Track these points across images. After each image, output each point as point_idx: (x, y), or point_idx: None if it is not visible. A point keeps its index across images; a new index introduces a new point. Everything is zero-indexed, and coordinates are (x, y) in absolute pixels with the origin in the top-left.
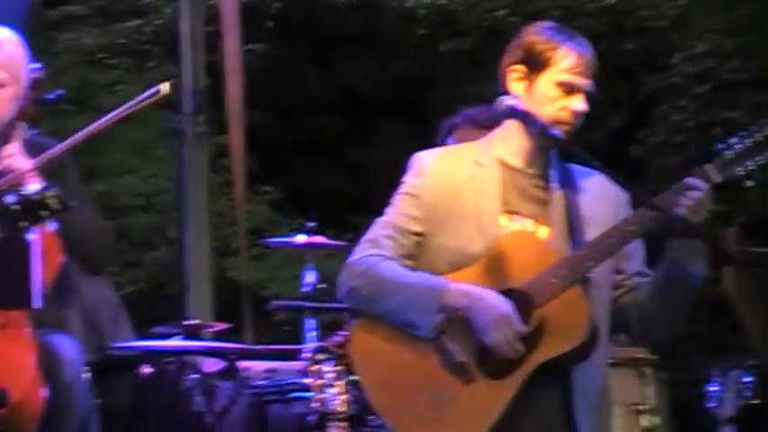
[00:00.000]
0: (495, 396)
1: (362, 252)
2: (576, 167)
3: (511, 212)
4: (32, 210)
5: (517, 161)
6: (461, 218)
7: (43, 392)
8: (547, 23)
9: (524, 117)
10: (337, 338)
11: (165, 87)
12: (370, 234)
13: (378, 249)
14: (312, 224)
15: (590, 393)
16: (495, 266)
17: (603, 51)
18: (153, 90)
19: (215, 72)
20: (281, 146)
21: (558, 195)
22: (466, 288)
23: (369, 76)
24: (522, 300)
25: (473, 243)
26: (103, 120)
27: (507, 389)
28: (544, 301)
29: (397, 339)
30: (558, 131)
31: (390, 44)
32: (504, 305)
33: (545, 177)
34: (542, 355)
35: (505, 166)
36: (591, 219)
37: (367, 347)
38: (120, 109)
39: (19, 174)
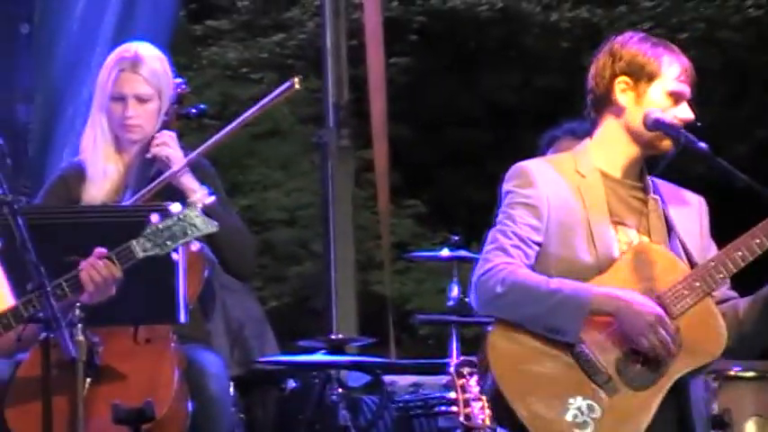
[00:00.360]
0: (642, 406)
1: (495, 260)
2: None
3: (617, 223)
4: (177, 230)
5: (616, 171)
6: (572, 228)
7: (188, 406)
8: (635, 33)
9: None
10: None
11: (296, 82)
12: (495, 244)
13: (509, 258)
14: (456, 237)
15: (699, 406)
16: (629, 275)
17: (749, 63)
18: (286, 84)
19: (358, 86)
20: (425, 159)
21: (655, 205)
22: (613, 292)
23: (512, 88)
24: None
25: (585, 253)
26: (242, 117)
27: (652, 399)
28: (679, 312)
29: (536, 348)
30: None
31: (533, 57)
32: (654, 307)
33: (640, 187)
34: (683, 365)
35: (605, 176)
36: (681, 229)
37: (507, 356)
38: (258, 104)
39: (173, 172)
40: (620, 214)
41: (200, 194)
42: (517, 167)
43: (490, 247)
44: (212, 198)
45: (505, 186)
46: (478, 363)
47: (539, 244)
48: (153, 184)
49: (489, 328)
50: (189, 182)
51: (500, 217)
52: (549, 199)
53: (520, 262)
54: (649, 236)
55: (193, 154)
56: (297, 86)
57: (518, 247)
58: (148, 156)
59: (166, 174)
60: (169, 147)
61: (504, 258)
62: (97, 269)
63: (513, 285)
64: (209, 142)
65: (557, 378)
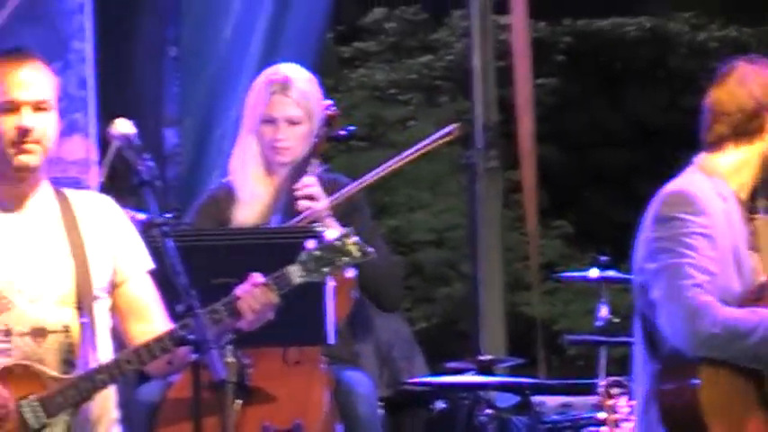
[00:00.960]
0: None
1: (700, 298)
2: None
3: (751, 249)
4: (332, 257)
5: (745, 195)
6: (725, 255)
7: (338, 428)
8: (760, 57)
9: None
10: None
11: (458, 128)
12: (691, 280)
13: (709, 296)
14: (605, 258)
15: None
16: None
17: None
18: (447, 129)
19: (506, 107)
20: (572, 180)
21: (762, 224)
22: None
23: (659, 108)
24: None
25: (735, 282)
26: (397, 159)
27: None
28: None
29: (742, 391)
30: None
31: (681, 77)
32: None
33: (752, 208)
34: None
35: (739, 200)
36: None
37: (716, 400)
38: (414, 148)
39: (315, 212)
40: (751, 239)
41: None
42: (682, 192)
43: (688, 282)
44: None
45: (671, 211)
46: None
47: (715, 275)
48: (296, 220)
49: (694, 382)
50: (331, 226)
51: (674, 245)
52: (717, 227)
53: (715, 298)
54: (758, 253)
55: (336, 195)
56: (458, 133)
57: (710, 282)
58: (296, 195)
59: (307, 213)
60: (313, 190)
61: (706, 297)
62: (255, 296)
63: (726, 324)
64: (359, 182)
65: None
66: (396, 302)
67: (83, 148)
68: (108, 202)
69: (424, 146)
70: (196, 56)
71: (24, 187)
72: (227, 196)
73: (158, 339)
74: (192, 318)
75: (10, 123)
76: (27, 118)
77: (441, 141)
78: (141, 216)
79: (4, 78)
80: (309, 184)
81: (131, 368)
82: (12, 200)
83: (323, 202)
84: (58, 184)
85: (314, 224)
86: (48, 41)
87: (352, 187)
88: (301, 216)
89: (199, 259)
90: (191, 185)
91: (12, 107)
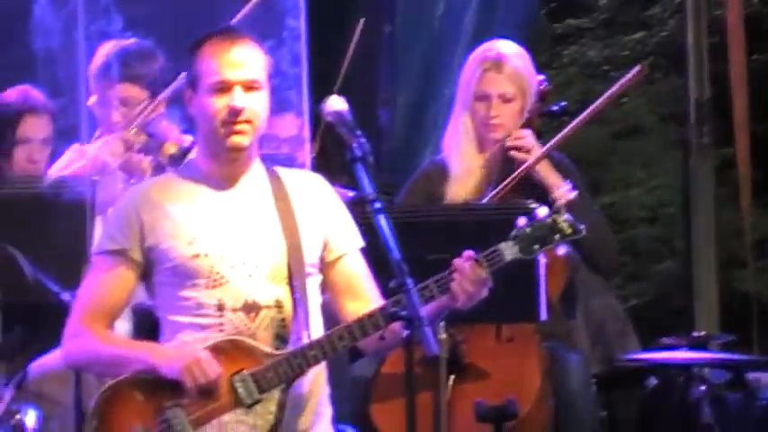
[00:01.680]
0: None
1: None
2: None
3: None
4: (544, 234)
5: None
6: None
7: (551, 404)
8: None
9: None
10: None
11: (645, 66)
12: None
13: None
14: None
15: None
16: None
17: None
18: (635, 69)
19: (719, 83)
20: None
21: None
22: None
23: None
24: None
25: None
26: (594, 105)
27: None
28: None
29: None
30: None
31: None
32: None
33: None
34: None
35: None
36: None
37: None
38: (607, 92)
39: (528, 166)
40: None
41: (564, 189)
42: None
43: None
44: (575, 193)
45: None
46: None
47: None
48: (512, 176)
49: None
50: (550, 175)
51: None
52: None
53: None
54: None
55: (550, 143)
56: (645, 71)
57: None
58: (507, 145)
59: (525, 165)
60: (526, 139)
61: None
62: (467, 272)
63: None
64: (564, 132)
65: None
66: (614, 264)
67: (295, 125)
68: (319, 180)
69: (618, 87)
70: (410, 33)
71: (236, 166)
72: (440, 173)
73: (370, 315)
74: (404, 294)
75: (221, 103)
76: (238, 98)
77: (632, 81)
78: (351, 193)
79: (215, 58)
80: (523, 135)
81: (343, 344)
82: (224, 178)
83: (535, 153)
84: (270, 161)
85: (528, 177)
86: (263, 19)
87: (562, 135)
88: (520, 169)
89: (411, 236)
90: (404, 163)
91: (223, 87)
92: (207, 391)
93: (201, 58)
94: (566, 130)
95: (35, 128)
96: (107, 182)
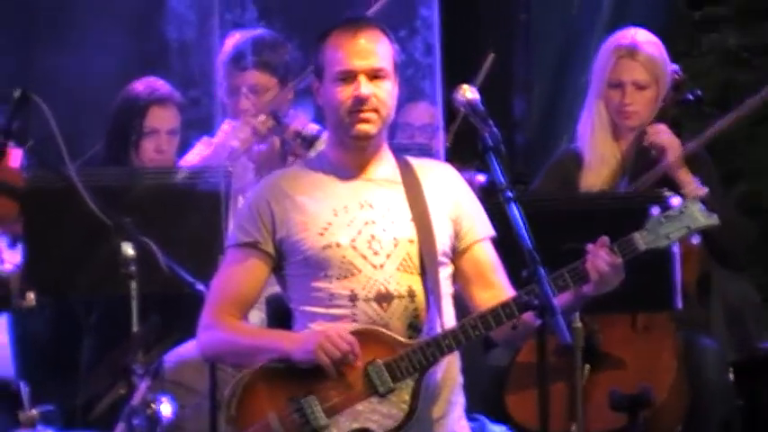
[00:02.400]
0: None
1: None
2: None
3: None
4: (678, 223)
5: None
6: None
7: (687, 392)
8: None
9: None
10: None
11: None
12: None
13: None
14: None
15: None
16: None
17: None
18: None
19: None
20: None
21: None
22: None
23: None
24: None
25: None
26: (736, 111)
27: None
28: None
29: None
30: None
31: None
32: None
33: None
34: None
35: None
36: None
37: None
38: (750, 101)
39: (667, 165)
40: None
41: (693, 186)
42: None
43: None
44: (704, 190)
45: None
46: None
47: None
48: (649, 174)
49: None
50: (683, 174)
51: None
52: None
53: None
54: None
55: (692, 144)
56: None
57: None
58: (645, 144)
59: (663, 163)
60: (665, 136)
61: None
62: (601, 258)
63: None
64: (709, 133)
65: None
66: (739, 262)
67: (429, 114)
68: (449, 169)
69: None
70: (546, 21)
71: (364, 154)
72: (574, 161)
73: (504, 305)
74: (537, 283)
75: (347, 92)
76: (364, 87)
77: None
78: (480, 178)
79: (340, 48)
80: (660, 131)
81: (477, 333)
82: (353, 167)
83: (672, 150)
84: (404, 150)
85: (667, 175)
86: (395, 8)
87: (702, 139)
88: (657, 168)
89: (544, 225)
90: (539, 151)
91: (348, 76)
92: (343, 369)
93: (327, 47)
94: (713, 129)
95: (162, 119)
96: (237, 170)
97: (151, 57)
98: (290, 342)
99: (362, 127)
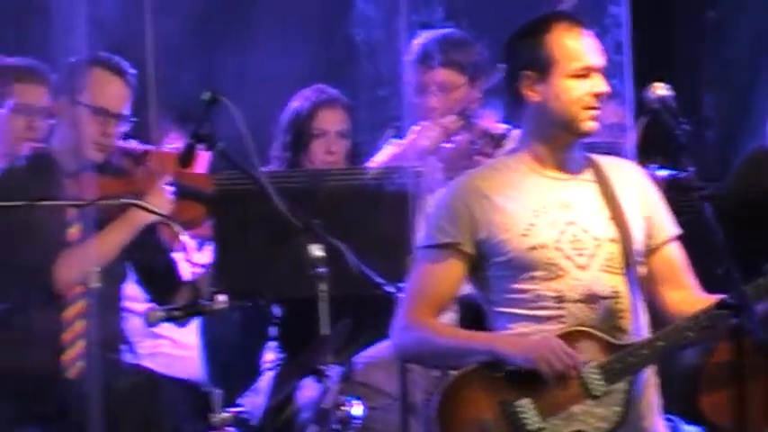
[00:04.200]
0: None
1: None
2: None
3: None
4: None
5: None
6: None
7: None
8: None
9: None
10: None
11: None
12: None
13: None
14: None
15: None
16: None
17: None
18: None
19: None
20: None
21: None
22: None
23: None
24: None
25: None
26: None
27: None
28: None
29: None
30: None
31: None
32: None
33: None
34: None
35: None
36: None
37: None
38: None
39: None
40: None
41: None
42: None
43: None
44: None
45: None
46: None
47: None
48: None
49: None
50: None
51: None
52: None
53: None
54: None
55: None
56: None
57: None
58: None
59: None
60: None
61: None
62: None
63: None
64: None
65: None
66: None
67: (617, 113)
68: (635, 167)
69: None
70: (735, 18)
71: (569, 152)
72: (765, 160)
73: (719, 305)
74: (733, 281)
75: (583, 88)
76: (603, 84)
77: None
78: (661, 173)
79: (575, 43)
80: None
81: (690, 336)
82: (551, 165)
83: None
84: (591, 148)
85: None
86: (585, 6)
87: None
88: None
89: (729, 223)
90: (730, 149)
91: (585, 72)
92: (561, 380)
93: (555, 41)
94: None
95: (330, 121)
96: (426, 170)
97: (338, 58)
98: (505, 345)
99: (593, 124)
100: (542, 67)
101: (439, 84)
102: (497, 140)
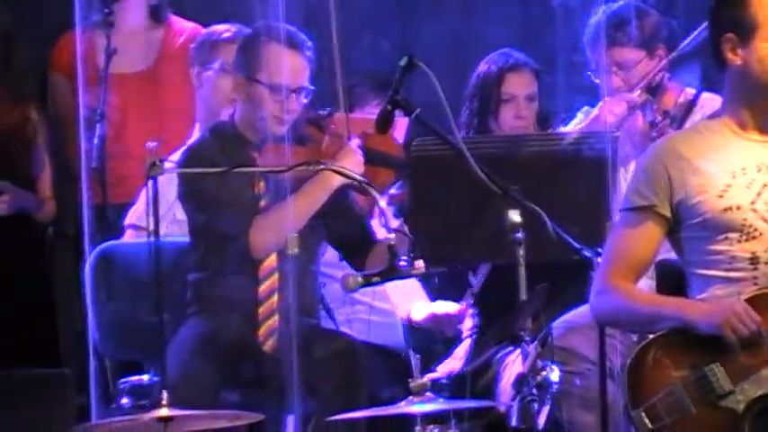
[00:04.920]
0: None
1: None
2: None
3: None
4: None
5: None
6: None
7: None
8: None
9: None
10: None
11: None
12: None
13: None
14: None
15: None
16: None
17: None
18: None
19: None
20: None
21: None
22: None
23: None
24: None
25: None
26: None
27: None
28: None
29: None
30: None
31: None
32: None
33: None
34: None
35: None
36: None
37: None
38: None
39: None
40: None
41: None
42: None
43: None
44: None
45: None
46: None
47: None
48: None
49: None
50: None
51: None
52: None
53: None
54: None
55: None
56: None
57: None
58: None
59: None
60: None
61: None
62: None
63: None
64: None
65: None
66: None
67: None
68: None
69: None
70: None
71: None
72: None
73: None
74: None
75: None
76: None
77: None
78: None
79: None
80: None
81: None
82: (752, 129)
83: None
84: None
85: None
86: None
87: None
88: None
89: None
90: None
91: None
92: (747, 344)
93: (758, 5)
94: None
95: (519, 85)
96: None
97: (534, 23)
98: (693, 311)
99: None
100: (745, 30)
101: (616, 62)
102: (688, 107)
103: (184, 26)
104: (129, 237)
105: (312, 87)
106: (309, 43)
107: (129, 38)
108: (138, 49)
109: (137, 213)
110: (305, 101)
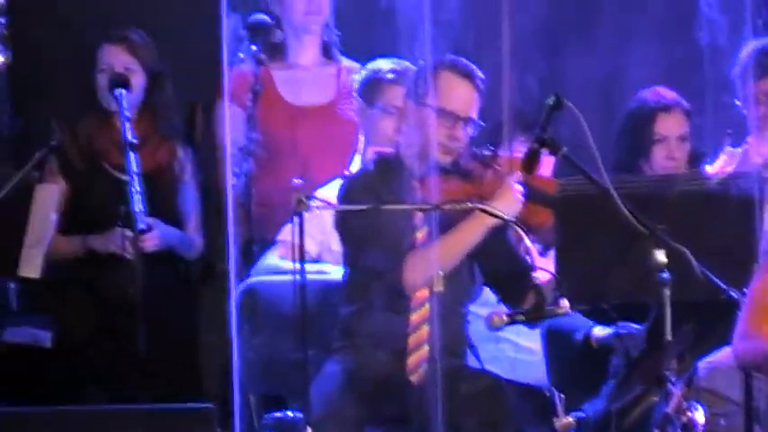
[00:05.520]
0: None
1: None
2: None
3: None
4: None
5: None
6: None
7: None
8: None
9: None
10: None
11: None
12: None
13: None
14: None
15: None
16: None
17: None
18: None
19: None
20: None
21: None
22: None
23: None
24: None
25: None
26: None
27: None
28: None
29: None
30: None
31: None
32: None
33: None
34: None
35: None
36: None
37: None
38: None
39: None
40: None
41: None
42: None
43: None
44: None
45: None
46: None
47: None
48: None
49: None
50: None
51: None
52: None
53: None
54: None
55: None
56: None
57: None
58: None
59: None
60: None
61: None
62: None
63: None
64: None
65: None
66: None
67: None
68: None
69: None
70: None
71: None
72: None
73: None
74: None
75: None
76: None
77: None
78: None
79: None
80: None
81: None
82: None
83: None
84: None
85: None
86: None
87: None
88: None
89: None
90: None
91: None
92: None
93: None
94: None
95: (671, 126)
96: None
97: (682, 61)
98: None
99: None
100: None
101: (765, 93)
102: None
103: (353, 64)
104: (275, 251)
105: (482, 124)
106: (482, 75)
107: (306, 73)
108: (317, 83)
109: (289, 230)
110: (471, 132)
